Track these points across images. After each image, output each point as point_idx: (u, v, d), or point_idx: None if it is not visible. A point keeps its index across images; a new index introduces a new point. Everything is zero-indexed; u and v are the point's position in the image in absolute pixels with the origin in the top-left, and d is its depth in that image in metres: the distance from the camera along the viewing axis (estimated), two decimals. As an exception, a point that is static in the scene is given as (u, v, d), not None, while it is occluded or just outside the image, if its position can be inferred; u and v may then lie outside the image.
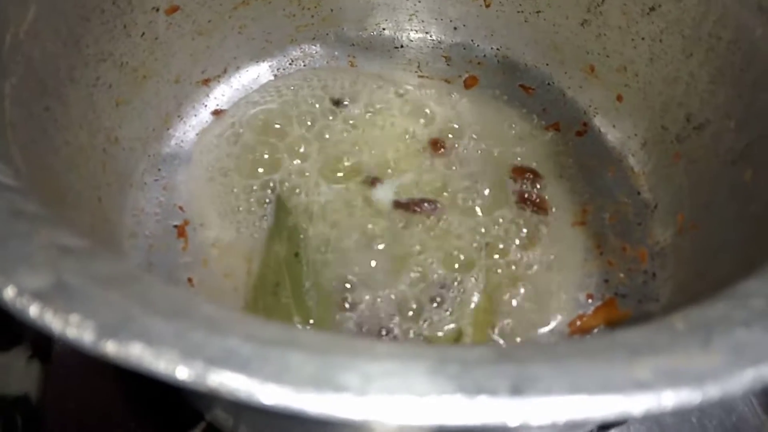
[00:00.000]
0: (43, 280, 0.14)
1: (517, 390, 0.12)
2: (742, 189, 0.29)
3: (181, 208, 0.37)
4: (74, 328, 0.13)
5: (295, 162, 0.40)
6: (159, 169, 0.38)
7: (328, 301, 0.34)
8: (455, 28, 0.46)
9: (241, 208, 0.38)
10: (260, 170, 0.39)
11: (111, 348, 0.13)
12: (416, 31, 0.47)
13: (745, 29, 0.31)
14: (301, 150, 0.40)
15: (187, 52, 0.40)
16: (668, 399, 0.12)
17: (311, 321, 0.34)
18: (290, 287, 0.35)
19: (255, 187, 0.39)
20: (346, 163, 0.40)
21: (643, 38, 0.38)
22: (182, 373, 0.12)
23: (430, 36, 0.47)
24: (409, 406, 0.12)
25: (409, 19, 0.47)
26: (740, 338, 0.14)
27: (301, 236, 0.37)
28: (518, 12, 0.44)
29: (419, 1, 0.46)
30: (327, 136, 0.41)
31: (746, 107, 0.31)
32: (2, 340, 0.57)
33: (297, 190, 0.38)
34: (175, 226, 0.37)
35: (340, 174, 0.39)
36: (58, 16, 0.30)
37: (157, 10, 0.37)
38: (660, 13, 0.36)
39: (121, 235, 0.34)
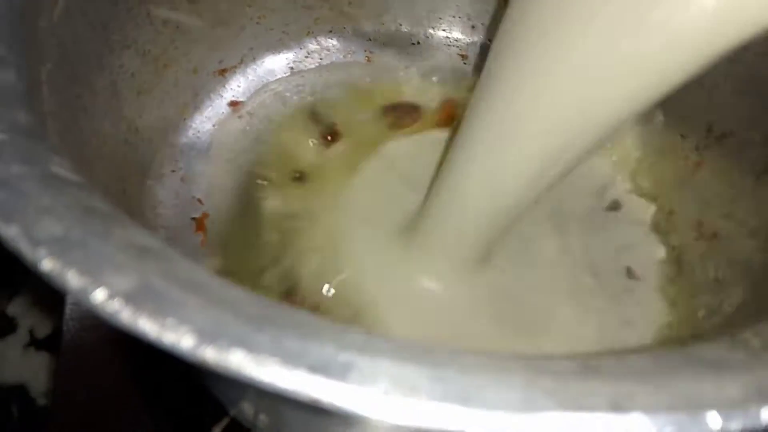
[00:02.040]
0: (130, 282, 0.13)
1: (617, 406, 0.13)
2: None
3: (199, 200, 0.37)
4: (171, 333, 0.12)
5: (314, 153, 0.39)
6: (176, 161, 0.38)
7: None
8: (473, 27, 0.46)
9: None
10: (279, 163, 0.39)
11: (210, 354, 0.12)
12: (434, 28, 0.47)
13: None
14: (319, 144, 0.40)
15: (206, 41, 0.40)
16: (765, 416, 0.13)
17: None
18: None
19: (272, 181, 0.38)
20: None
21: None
22: (285, 381, 0.12)
23: (448, 34, 0.47)
24: (512, 422, 0.12)
25: (427, 16, 0.46)
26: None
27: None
28: (538, 14, 0.44)
29: (437, -2, 0.46)
30: (348, 128, 0.41)
31: (771, 121, 0.32)
32: (-4, 329, 0.55)
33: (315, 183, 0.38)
34: (193, 219, 0.36)
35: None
36: (87, 1, 0.29)
37: (181, -3, 0.36)
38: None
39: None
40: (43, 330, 0.55)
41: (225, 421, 0.31)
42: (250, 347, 0.12)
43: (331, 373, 0.12)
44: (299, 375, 0.12)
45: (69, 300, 0.39)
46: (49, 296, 0.55)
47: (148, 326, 0.13)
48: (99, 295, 0.13)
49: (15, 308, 0.56)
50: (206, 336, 0.12)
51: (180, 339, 0.12)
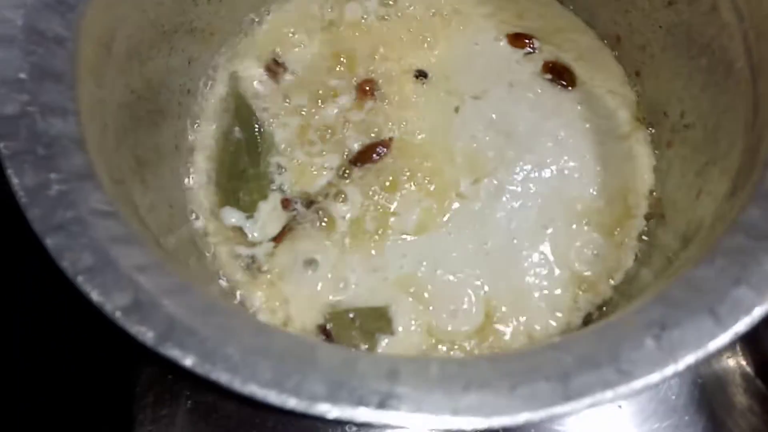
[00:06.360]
0: (126, 299, 0.24)
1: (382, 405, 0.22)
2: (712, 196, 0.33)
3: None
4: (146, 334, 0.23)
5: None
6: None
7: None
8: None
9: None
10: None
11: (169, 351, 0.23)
12: None
13: (729, 51, 0.33)
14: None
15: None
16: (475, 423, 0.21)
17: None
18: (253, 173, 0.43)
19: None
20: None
21: (660, 26, 0.40)
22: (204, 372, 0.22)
23: None
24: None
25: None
26: (538, 389, 0.22)
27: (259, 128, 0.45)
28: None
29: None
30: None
31: (716, 125, 0.34)
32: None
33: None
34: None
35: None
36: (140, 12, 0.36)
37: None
38: (676, 8, 0.38)
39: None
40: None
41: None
42: (184, 347, 0.23)
43: (230, 365, 0.22)
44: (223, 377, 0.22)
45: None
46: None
47: (134, 330, 0.23)
48: (108, 308, 0.23)
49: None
50: (161, 338, 0.23)
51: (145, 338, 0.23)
